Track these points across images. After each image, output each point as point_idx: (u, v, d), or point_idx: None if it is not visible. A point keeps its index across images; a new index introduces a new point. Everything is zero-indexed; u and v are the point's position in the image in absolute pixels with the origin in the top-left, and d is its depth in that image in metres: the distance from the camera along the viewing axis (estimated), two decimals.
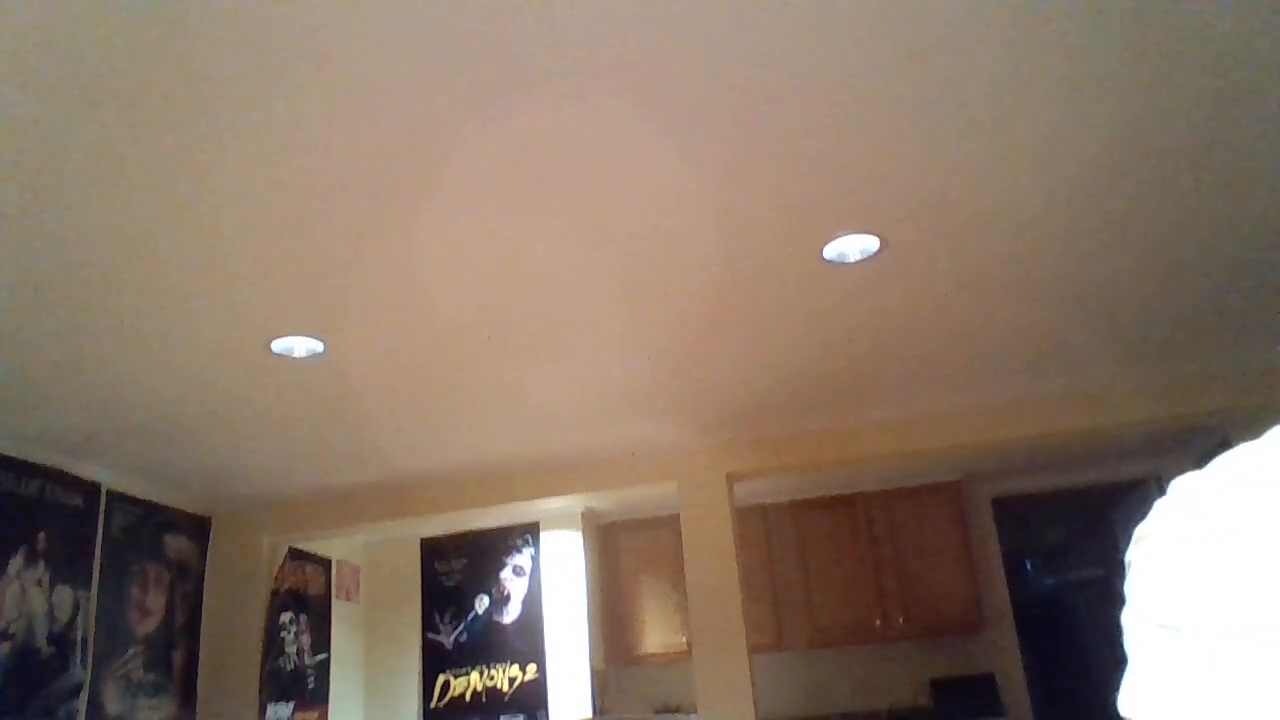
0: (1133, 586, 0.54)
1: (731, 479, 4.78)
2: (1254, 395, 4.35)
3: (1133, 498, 6.30)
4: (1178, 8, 1.92)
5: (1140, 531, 0.55)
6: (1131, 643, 0.53)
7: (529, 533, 5.81)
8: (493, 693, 5.63)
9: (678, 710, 5.86)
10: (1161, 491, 0.55)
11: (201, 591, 4.91)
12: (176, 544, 4.77)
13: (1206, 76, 2.15)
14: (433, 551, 5.99)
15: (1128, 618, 0.54)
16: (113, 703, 4.18)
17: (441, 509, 5.05)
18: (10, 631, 3.67)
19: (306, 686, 5.31)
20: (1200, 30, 1.99)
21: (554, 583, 5.73)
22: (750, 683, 4.45)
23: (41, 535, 3.88)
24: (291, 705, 5.13)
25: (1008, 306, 3.37)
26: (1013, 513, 6.28)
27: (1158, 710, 0.49)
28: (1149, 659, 0.51)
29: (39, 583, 3.84)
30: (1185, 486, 0.54)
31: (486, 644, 5.73)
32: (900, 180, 2.48)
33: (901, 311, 3.34)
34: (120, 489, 4.39)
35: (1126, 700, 0.52)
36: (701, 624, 4.56)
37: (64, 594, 3.96)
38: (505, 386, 3.75)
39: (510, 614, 5.74)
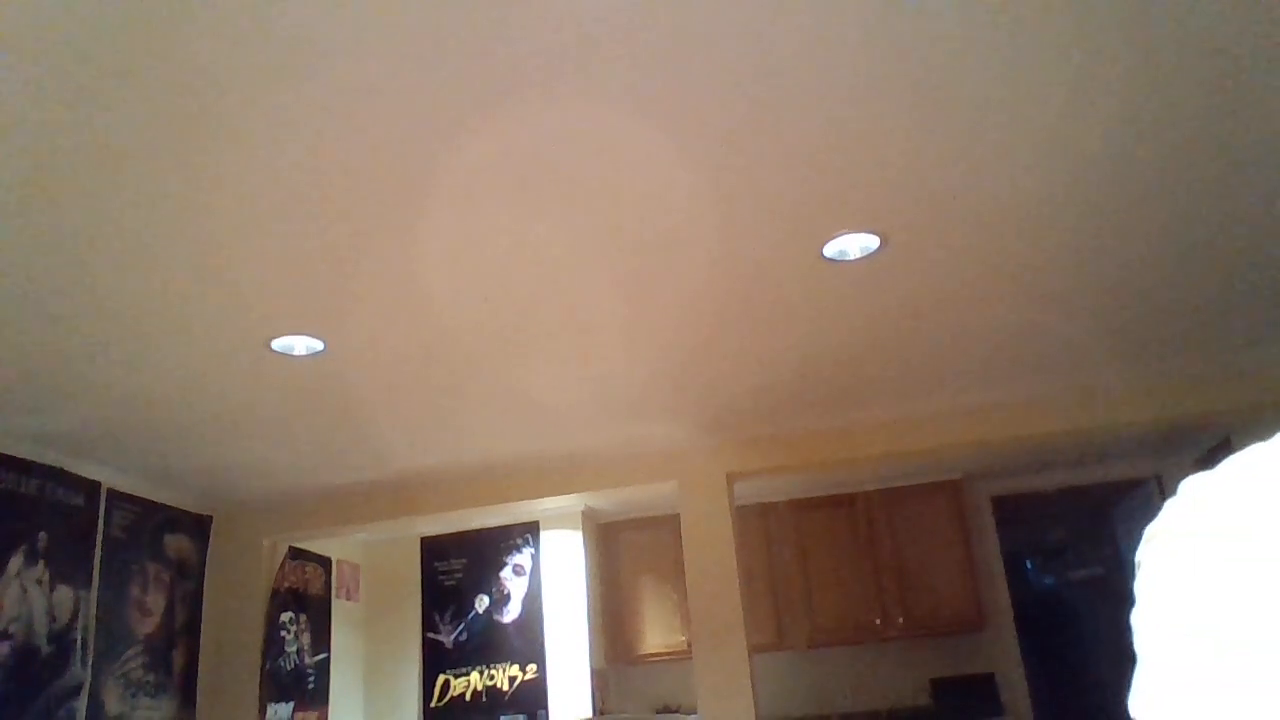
0: (1143, 587, 0.54)
1: (731, 478, 4.78)
2: (1254, 395, 4.35)
3: (1133, 497, 6.30)
4: (1177, 7, 1.92)
5: (1150, 531, 0.55)
6: (1142, 645, 0.52)
7: (529, 532, 5.81)
8: (493, 692, 5.63)
9: (678, 710, 5.86)
10: (1162, 491, 0.55)
11: (201, 591, 4.91)
12: (177, 543, 4.77)
13: (1207, 76, 2.15)
14: (433, 551, 5.99)
15: (1138, 619, 0.53)
16: (113, 702, 4.18)
17: (441, 508, 5.05)
18: (10, 631, 3.67)
19: (306, 686, 5.31)
20: (1201, 31, 1.99)
21: (554, 582, 5.73)
22: (750, 682, 4.45)
23: (41, 534, 3.88)
24: (291, 705, 5.13)
25: (1008, 305, 3.37)
26: (1013, 512, 6.28)
27: (1169, 714, 0.49)
28: (1159, 661, 0.51)
29: (39, 582, 3.84)
30: (1195, 486, 0.54)
31: (487, 643, 5.73)
32: (900, 180, 2.48)
33: (901, 311, 3.34)
34: (120, 488, 4.39)
35: (1137, 702, 0.51)
36: (701, 623, 4.56)
37: (64, 593, 3.96)
38: (505, 386, 3.75)
39: (510, 613, 5.74)
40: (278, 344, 3.15)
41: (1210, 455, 5.41)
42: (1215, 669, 0.47)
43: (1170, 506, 0.54)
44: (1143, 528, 0.56)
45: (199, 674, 4.79)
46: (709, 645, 4.52)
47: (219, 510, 5.07)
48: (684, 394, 4.04)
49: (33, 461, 3.88)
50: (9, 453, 3.78)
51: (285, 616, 5.18)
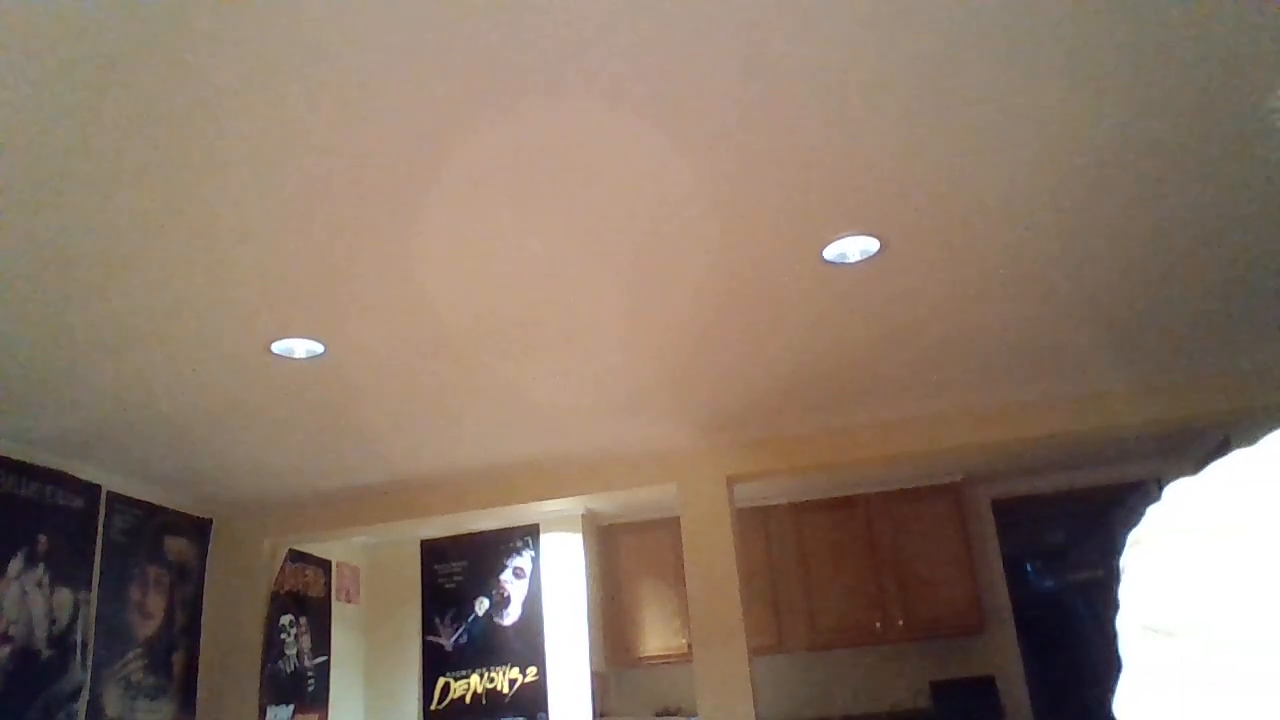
0: (1129, 589, 0.54)
1: (731, 480, 4.78)
2: (1254, 397, 4.35)
3: (1133, 499, 6.29)
4: (1176, 8, 1.92)
5: (1133, 537, 0.55)
6: (1124, 647, 0.53)
7: (529, 535, 5.81)
8: (493, 695, 5.63)
9: (678, 713, 5.86)
10: (1162, 494, 0.56)
11: (202, 594, 4.91)
12: (177, 546, 4.77)
13: (1206, 78, 2.15)
14: (433, 553, 5.99)
15: (1121, 622, 0.54)
16: (113, 705, 4.18)
17: (441, 510, 5.05)
18: (10, 634, 3.67)
19: (306, 689, 5.30)
20: (1199, 31, 1.99)
21: (554, 585, 5.72)
22: (750, 685, 4.45)
23: (42, 537, 3.88)
24: (291, 708, 5.12)
25: (1007, 307, 3.37)
26: (1013, 514, 6.28)
27: (1148, 715, 0.49)
28: (1139, 663, 0.51)
29: (39, 585, 3.84)
30: (1178, 490, 0.54)
31: (487, 646, 5.72)
32: (900, 180, 2.48)
33: (901, 312, 3.34)
34: (120, 491, 4.38)
35: (1120, 705, 0.52)
36: (702, 626, 4.56)
37: (64, 596, 3.96)
38: (506, 387, 3.75)
39: (510, 616, 5.73)
40: (278, 346, 3.15)
41: (1210, 456, 5.40)
42: (1191, 670, 0.47)
43: (1155, 510, 0.55)
44: None
45: (199, 677, 4.79)
46: (709, 648, 4.52)
47: (219, 513, 5.07)
48: (684, 395, 4.04)
49: (33, 464, 3.88)
50: (9, 454, 3.78)
51: (285, 619, 5.18)
